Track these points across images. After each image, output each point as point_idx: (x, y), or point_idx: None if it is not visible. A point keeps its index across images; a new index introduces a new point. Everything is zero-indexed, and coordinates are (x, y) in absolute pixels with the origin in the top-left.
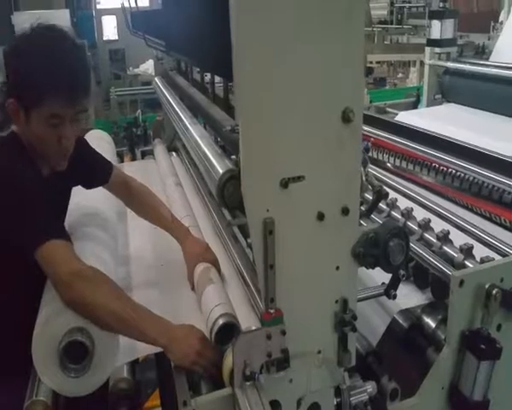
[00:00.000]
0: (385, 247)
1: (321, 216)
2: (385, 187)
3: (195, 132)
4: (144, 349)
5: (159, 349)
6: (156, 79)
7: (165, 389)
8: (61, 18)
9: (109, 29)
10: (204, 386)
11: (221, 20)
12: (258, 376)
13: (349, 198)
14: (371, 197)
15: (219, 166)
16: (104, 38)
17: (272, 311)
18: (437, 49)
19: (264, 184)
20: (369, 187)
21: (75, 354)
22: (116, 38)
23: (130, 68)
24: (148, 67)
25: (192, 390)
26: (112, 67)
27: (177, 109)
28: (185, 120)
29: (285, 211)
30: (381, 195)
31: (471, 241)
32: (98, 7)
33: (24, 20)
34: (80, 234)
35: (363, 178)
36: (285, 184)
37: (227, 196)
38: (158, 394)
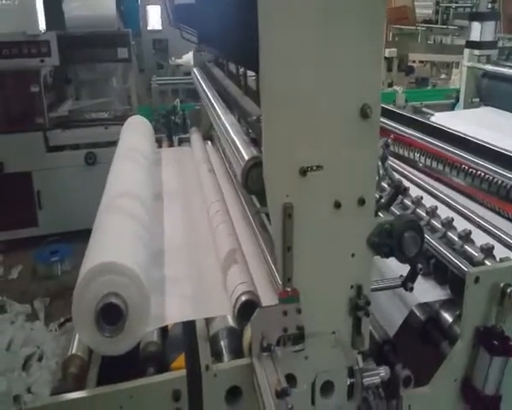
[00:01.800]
0: (399, 238)
1: (338, 205)
2: (412, 185)
3: (226, 121)
4: (173, 317)
5: (186, 318)
6: (194, 69)
7: (190, 354)
8: (107, 6)
9: (154, 19)
10: (226, 355)
11: (251, 16)
12: (274, 348)
13: (365, 190)
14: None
15: (245, 153)
16: (148, 28)
17: (289, 290)
18: (476, 52)
19: (285, 172)
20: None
21: (111, 316)
22: (160, 28)
23: (173, 58)
24: (190, 57)
25: (214, 357)
26: (155, 57)
27: (211, 99)
28: (218, 110)
29: (303, 197)
30: (399, 189)
31: (493, 242)
32: None
33: (74, 8)
34: (120, 209)
35: (382, 172)
36: (304, 172)
37: (251, 182)
38: (183, 357)
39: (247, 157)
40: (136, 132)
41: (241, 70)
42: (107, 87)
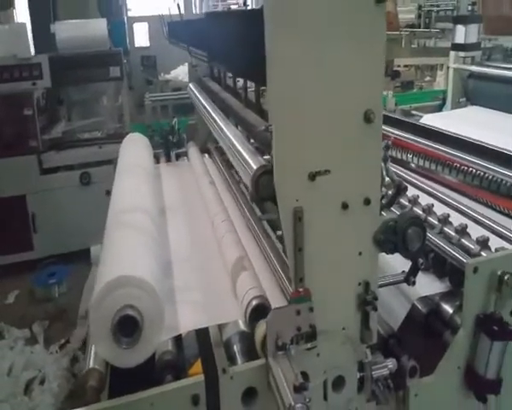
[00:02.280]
0: (403, 234)
1: (345, 206)
2: (407, 184)
3: (230, 133)
4: (186, 326)
5: (199, 325)
6: (191, 84)
7: (206, 359)
8: (99, 27)
9: (140, 36)
10: (239, 359)
11: (259, 34)
12: (289, 346)
13: (371, 190)
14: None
15: (253, 163)
16: (136, 45)
17: (301, 290)
18: (461, 54)
19: (295, 177)
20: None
21: (127, 328)
22: (148, 44)
23: (162, 74)
24: (178, 73)
25: (229, 361)
26: (144, 74)
27: (212, 112)
28: (220, 122)
29: (313, 201)
30: (400, 188)
31: (487, 234)
32: (129, 14)
33: (65, 29)
34: (129, 223)
35: (384, 173)
36: (313, 177)
37: (261, 189)
38: (199, 363)
39: (255, 166)
40: (135, 149)
41: (240, 83)
42: (99, 106)
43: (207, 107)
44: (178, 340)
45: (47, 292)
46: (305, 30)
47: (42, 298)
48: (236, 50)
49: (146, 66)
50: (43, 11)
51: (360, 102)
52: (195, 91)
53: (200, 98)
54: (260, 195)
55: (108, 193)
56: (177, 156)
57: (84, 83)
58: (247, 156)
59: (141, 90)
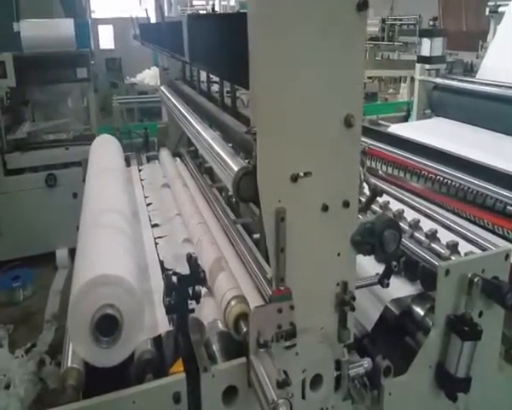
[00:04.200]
0: (380, 236)
1: (325, 207)
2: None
3: (208, 135)
4: (165, 326)
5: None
6: (162, 87)
7: (187, 358)
8: (65, 27)
9: (105, 38)
10: (218, 358)
11: (240, 40)
12: (270, 344)
13: (349, 193)
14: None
15: (234, 164)
16: (101, 48)
17: (282, 288)
18: (427, 66)
19: (277, 179)
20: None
21: (106, 327)
22: (113, 47)
23: (127, 77)
24: (144, 76)
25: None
26: (108, 76)
27: (187, 115)
28: (196, 125)
29: (294, 202)
30: (376, 192)
31: (456, 238)
32: (93, 16)
33: (29, 28)
34: (105, 224)
35: (362, 177)
36: (295, 178)
37: (242, 190)
38: (180, 362)
39: (236, 168)
40: (106, 151)
41: (217, 87)
42: (65, 108)
43: (182, 109)
44: (158, 339)
45: (11, 296)
46: (287, 35)
47: (6, 302)
48: (220, 53)
49: (111, 68)
50: (6, 9)
51: (341, 106)
52: (168, 94)
53: (174, 101)
54: (241, 196)
55: (75, 196)
56: (148, 159)
57: (51, 83)
58: (227, 158)
59: (105, 92)
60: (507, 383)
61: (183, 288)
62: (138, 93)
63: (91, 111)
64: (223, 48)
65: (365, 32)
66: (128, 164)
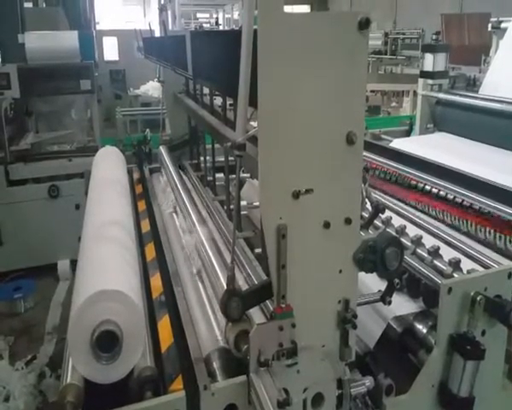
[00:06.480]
0: (382, 253)
1: (327, 225)
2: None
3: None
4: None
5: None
6: (161, 148)
7: (187, 375)
8: (70, 39)
9: (109, 50)
10: (219, 376)
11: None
12: (271, 362)
13: (351, 210)
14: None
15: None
16: (105, 59)
17: (283, 306)
18: (429, 81)
19: (279, 195)
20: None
21: (107, 343)
22: (117, 58)
23: (131, 89)
24: (148, 88)
25: (209, 377)
26: (112, 87)
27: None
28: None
29: (296, 219)
30: (378, 209)
31: (459, 255)
32: (98, 28)
33: (34, 40)
34: (107, 238)
35: (364, 194)
36: (296, 195)
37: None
38: (180, 379)
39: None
40: (109, 162)
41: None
42: (68, 119)
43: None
44: (158, 355)
45: (12, 306)
46: (292, 56)
47: (7, 313)
48: (225, 70)
49: (115, 80)
50: (11, 21)
51: (343, 124)
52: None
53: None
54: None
55: (78, 207)
56: (151, 172)
57: (55, 95)
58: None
59: (109, 103)
60: (511, 403)
61: None
62: (142, 105)
63: (95, 122)
64: (226, 64)
65: (367, 50)
66: (131, 176)
